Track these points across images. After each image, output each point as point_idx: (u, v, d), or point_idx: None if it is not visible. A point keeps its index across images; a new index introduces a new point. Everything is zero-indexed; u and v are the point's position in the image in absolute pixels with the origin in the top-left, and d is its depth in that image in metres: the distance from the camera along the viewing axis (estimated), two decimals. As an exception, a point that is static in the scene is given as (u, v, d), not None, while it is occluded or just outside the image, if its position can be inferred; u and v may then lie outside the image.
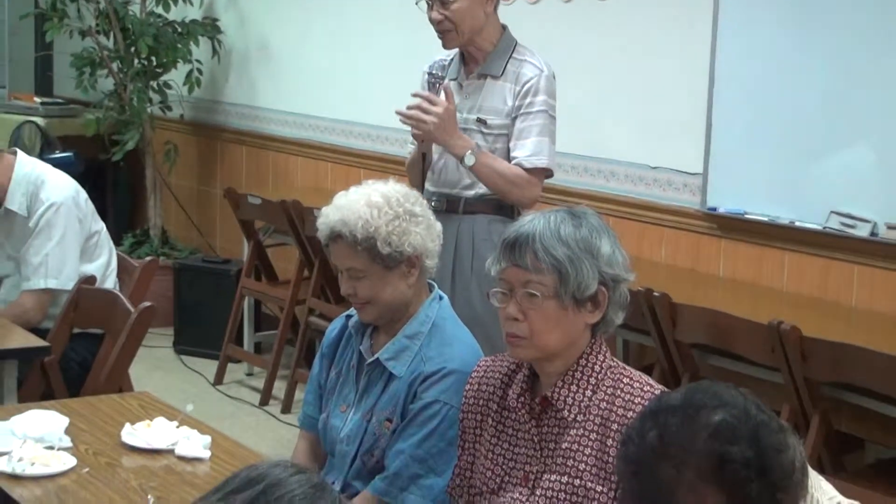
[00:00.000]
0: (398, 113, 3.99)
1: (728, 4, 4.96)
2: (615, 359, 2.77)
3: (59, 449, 2.98)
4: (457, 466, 2.91)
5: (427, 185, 4.11)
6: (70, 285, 4.50)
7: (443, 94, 3.98)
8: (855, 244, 4.59)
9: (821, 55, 4.68)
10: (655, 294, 4.34)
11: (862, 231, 4.52)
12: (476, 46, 4.04)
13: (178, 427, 3.12)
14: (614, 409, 2.65)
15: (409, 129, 4.07)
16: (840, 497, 2.10)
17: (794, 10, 4.76)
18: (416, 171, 4.15)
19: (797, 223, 4.77)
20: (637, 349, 4.99)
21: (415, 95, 3.95)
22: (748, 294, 4.79)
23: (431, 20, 4.00)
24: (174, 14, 7.54)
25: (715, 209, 5.08)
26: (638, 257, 5.20)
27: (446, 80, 4.09)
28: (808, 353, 3.96)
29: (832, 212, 4.61)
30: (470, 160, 3.87)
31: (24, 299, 4.50)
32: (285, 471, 1.71)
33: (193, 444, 3.05)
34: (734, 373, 4.35)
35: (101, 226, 4.82)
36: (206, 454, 3.02)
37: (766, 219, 4.89)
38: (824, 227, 4.65)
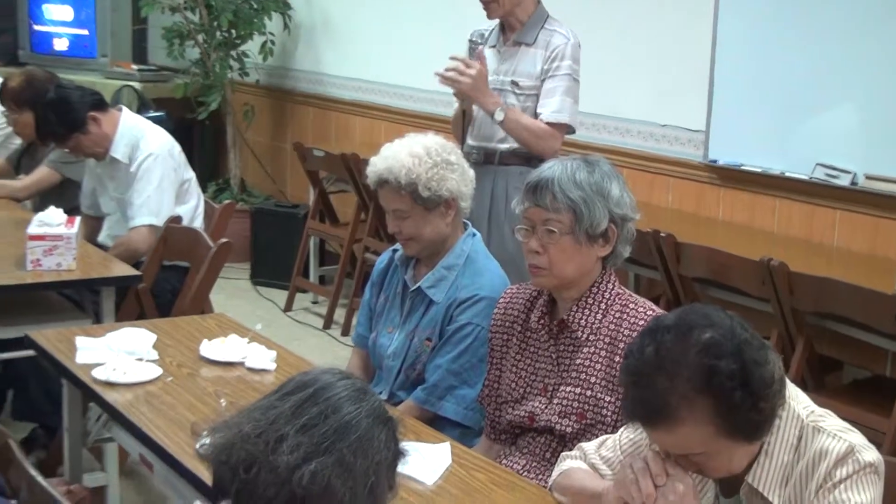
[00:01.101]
0: (437, 74, 3.96)
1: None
2: (623, 287, 2.77)
3: (147, 361, 3.02)
4: (486, 379, 2.92)
5: (468, 140, 4.11)
6: (160, 222, 4.54)
7: (478, 61, 3.95)
8: (837, 192, 4.59)
9: (811, 25, 4.66)
10: (662, 235, 4.34)
11: (843, 181, 4.53)
12: (514, 17, 4.02)
13: (248, 343, 3.15)
14: (621, 329, 2.66)
15: (449, 90, 4.07)
16: (814, 406, 2.09)
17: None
18: (459, 127, 4.15)
19: (787, 173, 4.79)
20: (646, 282, 4.97)
21: (452, 59, 3.93)
22: (743, 235, 4.78)
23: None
24: (251, -8, 7.53)
25: (715, 161, 5.10)
26: (648, 203, 5.21)
27: (482, 47, 4.07)
28: (795, 287, 3.96)
29: (818, 164, 4.62)
30: (499, 115, 3.86)
31: (131, 234, 4.53)
32: (333, 376, 1.72)
33: (261, 357, 3.07)
34: (730, 303, 4.32)
35: (191, 175, 4.85)
36: (272, 366, 3.05)
37: (759, 170, 4.90)
38: (810, 177, 4.66)
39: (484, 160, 4.03)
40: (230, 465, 1.63)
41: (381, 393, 3.23)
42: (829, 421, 2.05)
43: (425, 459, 2.46)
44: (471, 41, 4.19)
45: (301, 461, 1.58)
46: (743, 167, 4.97)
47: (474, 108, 4.06)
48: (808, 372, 4.09)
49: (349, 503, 1.60)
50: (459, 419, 3.07)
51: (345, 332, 6.20)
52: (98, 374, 2.91)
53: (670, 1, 5.29)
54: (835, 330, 4.11)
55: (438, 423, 3.03)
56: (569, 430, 2.66)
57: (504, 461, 2.76)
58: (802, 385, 3.97)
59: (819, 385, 4.13)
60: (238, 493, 1.62)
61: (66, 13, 8.81)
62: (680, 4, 5.25)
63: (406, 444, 1.81)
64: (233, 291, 6.79)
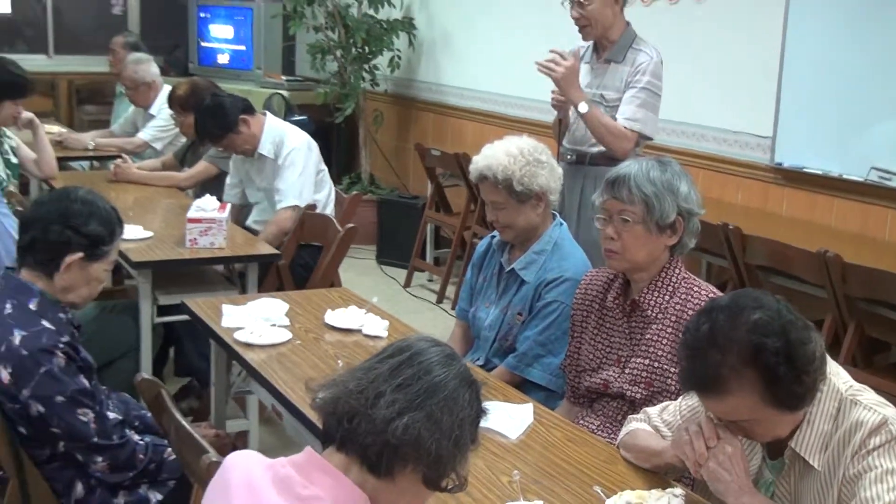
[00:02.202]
0: (537, 63, 3.91)
1: (796, 7, 4.83)
2: (688, 272, 2.73)
3: (280, 326, 3.07)
4: (568, 350, 2.91)
5: (564, 143, 4.09)
6: (302, 203, 4.60)
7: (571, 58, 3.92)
8: (890, 193, 4.49)
9: (872, 43, 4.55)
10: (731, 228, 4.27)
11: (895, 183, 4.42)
12: (606, 38, 3.96)
13: (365, 313, 3.17)
14: (686, 309, 2.62)
15: (547, 100, 4.05)
16: (852, 381, 2.03)
17: (851, 3, 4.65)
18: (557, 132, 4.14)
19: (844, 175, 4.69)
20: (717, 270, 4.90)
21: (552, 51, 3.89)
22: (803, 229, 4.65)
23: (573, 17, 3.94)
24: (382, 14, 7.55)
25: (780, 164, 5.00)
26: (719, 200, 5.14)
27: (578, 48, 4.08)
28: (848, 276, 3.87)
29: (872, 167, 4.52)
30: (583, 108, 3.81)
31: (280, 214, 4.61)
32: (427, 343, 1.73)
33: (376, 325, 3.10)
34: (789, 289, 4.26)
35: (324, 168, 4.91)
36: (385, 334, 3.07)
37: (819, 172, 4.80)
38: (865, 179, 4.56)
39: (576, 160, 4.00)
40: (336, 416, 1.65)
41: (478, 359, 3.24)
42: (866, 395, 1.99)
43: (511, 417, 2.47)
44: (551, 51, 4.15)
45: (395, 415, 1.60)
46: (805, 169, 4.86)
47: (570, 116, 4.03)
48: (858, 351, 3.99)
49: (435, 452, 1.61)
50: (544, 384, 3.07)
51: (455, 307, 6.19)
52: (239, 336, 2.97)
53: (742, 22, 5.18)
54: (883, 315, 3.98)
55: (526, 387, 3.03)
56: (637, 396, 2.64)
57: (581, 421, 2.75)
58: (852, 363, 3.91)
59: (868, 364, 4.02)
60: (342, 440, 1.64)
61: (228, 32, 8.98)
62: (750, 25, 5.14)
63: (491, 404, 1.82)
64: (361, 269, 6.86)
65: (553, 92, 3.96)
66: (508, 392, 2.73)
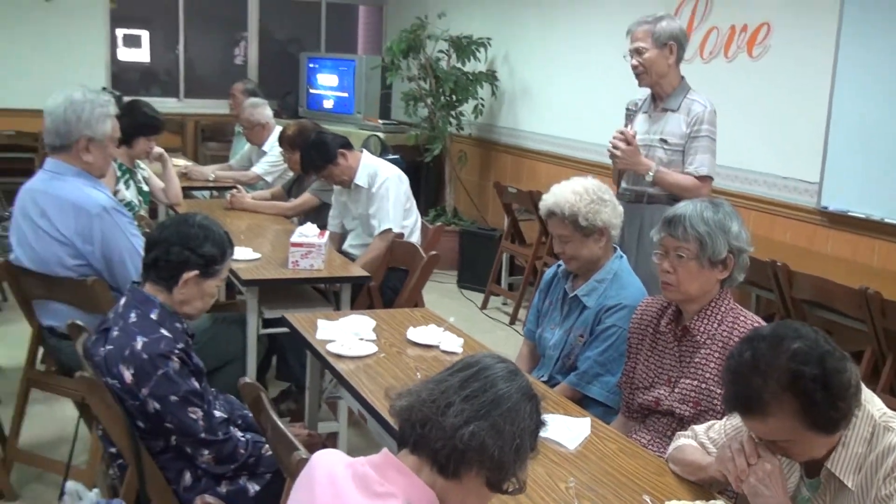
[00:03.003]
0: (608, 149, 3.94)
1: (843, 65, 4.70)
2: (735, 303, 2.67)
3: (367, 340, 3.08)
4: (624, 369, 2.87)
5: (623, 183, 4.04)
6: (397, 228, 4.62)
7: (631, 130, 3.91)
8: (929, 237, 4.33)
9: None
10: (778, 264, 4.17)
11: (934, 227, 4.28)
12: (660, 87, 3.92)
13: (443, 331, 3.17)
14: (732, 337, 2.57)
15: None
16: (886, 409, 1.96)
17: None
18: (616, 174, 4.11)
19: (886, 219, 4.56)
20: (765, 302, 4.78)
21: (618, 132, 3.87)
22: (846, 268, 4.53)
23: (632, 66, 3.92)
24: (468, 67, 7.59)
25: (826, 207, 4.89)
26: (769, 238, 5.03)
27: (633, 123, 4.01)
28: (887, 311, 3.75)
29: (912, 212, 4.36)
30: (650, 177, 3.79)
31: (377, 238, 4.64)
32: (493, 359, 1.72)
33: (452, 342, 3.08)
34: (832, 322, 4.13)
35: (412, 199, 4.92)
36: (460, 350, 3.05)
37: (863, 215, 4.69)
38: (906, 223, 4.42)
39: (635, 199, 3.96)
40: (411, 422, 1.65)
41: (542, 375, 3.22)
42: (899, 422, 1.93)
43: (569, 429, 2.44)
44: (627, 109, 4.16)
45: (463, 423, 1.59)
46: (849, 213, 4.75)
47: None
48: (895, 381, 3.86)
49: (498, 458, 1.60)
50: (602, 400, 3.03)
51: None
52: (331, 347, 2.99)
53: (793, 77, 5.09)
54: (921, 348, 3.85)
55: (586, 402, 2.99)
56: (686, 413, 2.59)
57: (634, 435, 2.71)
58: (890, 392, 3.77)
59: (905, 393, 3.89)
60: (415, 444, 1.64)
61: (333, 81, 9.11)
62: (800, 80, 5.05)
63: (551, 417, 1.80)
64: (443, 292, 6.87)
65: (611, 143, 3.92)
66: (569, 406, 2.70)
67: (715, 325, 2.61)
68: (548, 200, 3.14)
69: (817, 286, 4.11)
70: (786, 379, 1.81)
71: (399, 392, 1.71)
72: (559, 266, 3.31)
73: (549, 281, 3.35)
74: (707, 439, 2.24)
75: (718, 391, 2.50)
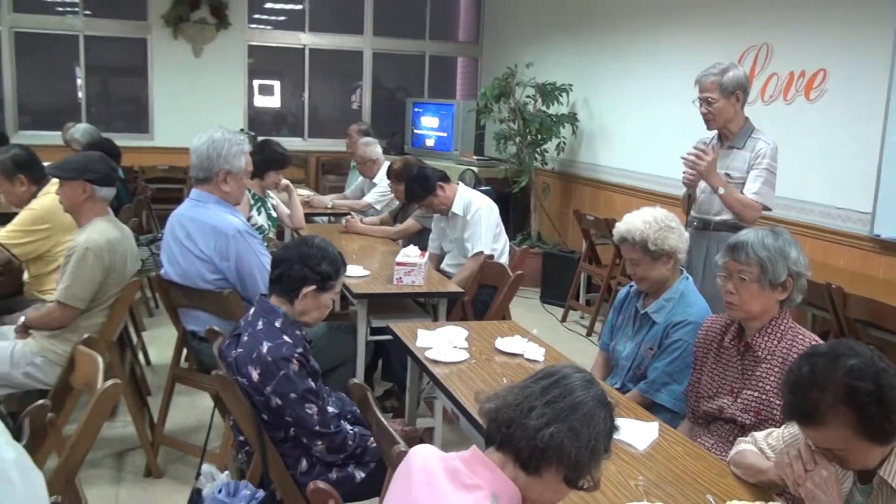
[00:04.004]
0: (683, 157, 3.78)
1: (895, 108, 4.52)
2: (794, 322, 2.55)
3: (460, 348, 3.05)
4: (690, 379, 2.78)
5: (692, 212, 3.93)
6: (488, 251, 4.60)
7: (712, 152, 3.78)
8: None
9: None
10: (833, 286, 3.97)
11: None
12: (727, 129, 3.80)
13: (527, 342, 3.12)
14: (791, 353, 2.45)
15: (677, 178, 3.92)
16: None
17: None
18: (686, 203, 3.98)
19: (934, 246, 4.28)
20: (820, 321, 4.56)
21: (695, 148, 3.76)
22: (897, 291, 4.31)
23: (701, 112, 3.81)
24: (552, 110, 7.55)
25: (878, 235, 4.66)
26: (824, 263, 4.83)
27: (714, 143, 3.87)
28: (936, 331, 3.53)
29: (960, 240, 4.11)
30: (721, 191, 3.66)
31: (469, 260, 4.63)
32: (571, 369, 1.68)
33: (535, 352, 3.03)
34: (884, 341, 3.92)
35: (502, 226, 4.89)
36: (542, 358, 3.00)
37: (914, 242, 4.42)
38: (955, 250, 4.15)
39: (702, 227, 3.84)
40: (497, 423, 1.62)
41: (616, 383, 3.14)
42: (950, 435, 1.80)
43: (639, 432, 2.36)
44: (695, 147, 4.02)
45: (544, 425, 1.56)
46: (900, 240, 4.52)
47: (697, 191, 3.89)
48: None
49: (574, 458, 1.56)
50: (669, 406, 2.93)
51: (601, 339, 6.07)
52: (429, 354, 2.97)
53: (848, 116, 4.89)
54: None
55: (654, 408, 2.90)
56: (747, 421, 2.48)
57: (698, 439, 2.61)
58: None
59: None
60: (501, 442, 1.61)
61: (434, 122, 9.17)
62: (854, 119, 4.83)
63: (623, 421, 1.75)
64: (528, 307, 6.80)
65: (685, 172, 3.83)
66: (639, 411, 2.62)
67: (775, 342, 2.50)
68: (620, 227, 3.07)
69: (870, 307, 3.91)
70: (842, 393, 1.71)
71: (487, 396, 1.68)
72: (631, 286, 3.23)
73: (623, 299, 3.27)
74: (766, 445, 2.15)
75: (778, 402, 2.40)
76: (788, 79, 5.30)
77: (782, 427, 2.15)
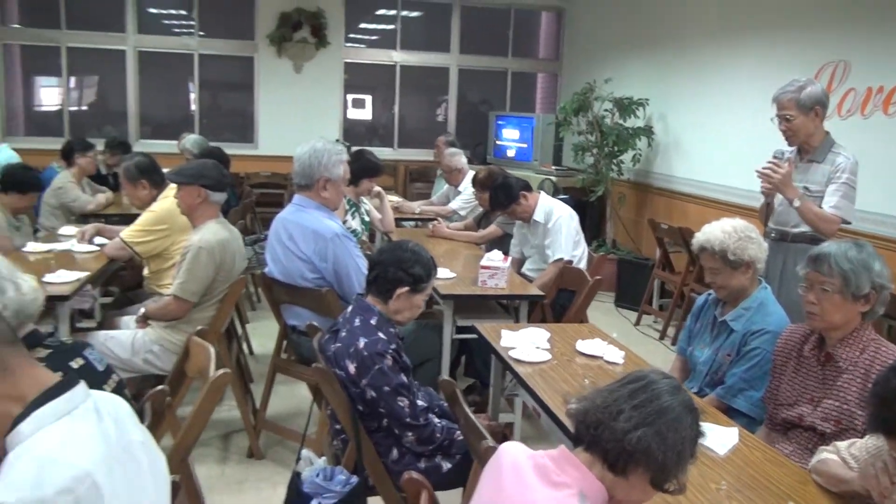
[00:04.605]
0: (757, 170, 3.61)
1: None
2: (877, 335, 2.42)
3: (542, 349, 3.00)
4: (769, 386, 2.67)
5: (769, 223, 3.78)
6: (568, 257, 4.53)
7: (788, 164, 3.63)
8: None
9: None
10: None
11: None
12: (808, 144, 3.64)
13: (607, 345, 3.05)
14: (874, 364, 2.32)
15: (755, 190, 3.77)
16: None
17: None
18: (763, 214, 3.82)
19: None
20: (896, 331, 4.36)
21: (769, 161, 3.60)
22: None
23: (781, 129, 3.66)
24: (629, 123, 7.40)
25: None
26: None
27: (791, 155, 3.70)
28: None
29: None
30: (797, 203, 3.49)
31: (549, 266, 4.57)
32: (658, 375, 1.62)
33: (615, 354, 2.96)
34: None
35: (581, 234, 4.81)
36: (621, 361, 2.93)
37: None
38: None
39: (780, 238, 3.69)
40: (585, 424, 1.57)
41: (692, 387, 3.03)
42: None
43: (719, 437, 2.27)
44: (774, 157, 3.85)
45: (632, 428, 1.50)
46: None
47: (775, 202, 3.74)
48: None
49: (661, 462, 1.50)
50: (746, 411, 2.82)
51: (673, 343, 5.91)
52: (513, 353, 2.93)
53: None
54: None
55: (730, 413, 2.79)
56: (827, 430, 2.36)
57: (776, 446, 2.49)
58: None
59: None
60: (589, 443, 1.56)
61: (515, 134, 9.12)
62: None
63: (705, 426, 1.67)
64: (603, 310, 6.68)
65: (763, 184, 3.68)
66: (718, 416, 2.52)
67: (857, 353, 2.37)
68: (700, 237, 2.97)
69: (949, 319, 3.70)
70: None
71: (576, 397, 1.64)
72: (709, 294, 3.12)
73: (701, 306, 3.16)
74: (849, 455, 2.03)
75: (860, 413, 2.28)
76: (866, 94, 5.06)
77: (866, 438, 2.03)
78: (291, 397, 4.42)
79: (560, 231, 4.60)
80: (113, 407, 1.40)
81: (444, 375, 3.87)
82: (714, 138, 6.68)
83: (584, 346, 3.03)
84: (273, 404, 3.98)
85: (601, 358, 2.95)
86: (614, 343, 3.09)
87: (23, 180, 4.41)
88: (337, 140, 8.51)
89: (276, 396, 4.00)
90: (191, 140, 6.79)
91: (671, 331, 6.08)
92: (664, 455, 1.49)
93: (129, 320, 3.78)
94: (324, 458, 2.62)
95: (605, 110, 7.48)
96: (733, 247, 2.88)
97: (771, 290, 3.05)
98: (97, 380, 2.00)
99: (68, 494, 1.20)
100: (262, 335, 5.36)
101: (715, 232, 2.93)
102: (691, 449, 1.54)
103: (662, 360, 5.19)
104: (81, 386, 1.36)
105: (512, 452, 1.64)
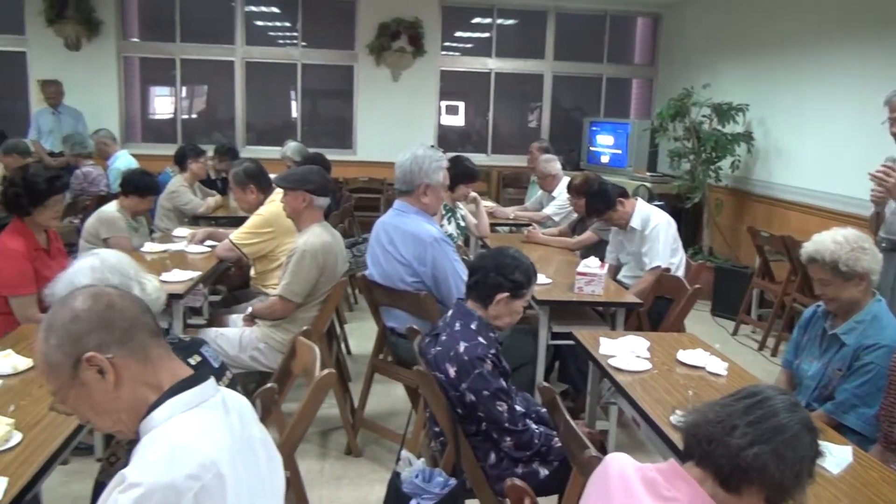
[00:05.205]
0: (870, 174, 3.42)
1: None
2: None
3: (642, 358, 2.92)
4: (883, 403, 2.52)
5: (880, 233, 3.57)
6: (665, 265, 4.42)
7: None
8: None
9: None
10: None
11: None
12: None
13: (710, 356, 2.95)
14: None
15: (860, 197, 3.57)
16: None
17: None
18: (874, 223, 3.63)
19: None
20: None
21: (883, 166, 3.41)
22: None
23: (892, 133, 3.46)
24: (727, 129, 7.16)
25: None
26: None
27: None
28: None
29: None
30: None
31: (646, 273, 4.47)
32: (774, 391, 1.55)
33: (718, 366, 2.85)
34: None
35: (679, 241, 4.69)
36: (724, 373, 2.82)
37: None
38: None
39: (891, 248, 3.49)
40: (697, 438, 1.51)
41: (800, 402, 2.90)
42: None
43: (832, 455, 2.15)
44: (884, 165, 3.65)
45: (747, 445, 1.44)
46: None
47: (886, 211, 3.54)
48: None
49: (778, 481, 1.42)
50: (857, 429, 2.66)
51: (773, 354, 5.67)
52: (612, 361, 2.88)
53: None
54: None
55: (840, 430, 2.64)
56: (949, 452, 2.21)
57: (893, 465, 2.35)
58: None
59: None
60: (700, 458, 1.50)
61: (610, 140, 8.97)
62: None
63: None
64: (698, 318, 6.47)
65: (873, 190, 3.48)
66: (829, 434, 2.39)
67: None
68: (809, 248, 2.82)
69: None
70: None
71: (686, 410, 1.58)
72: (818, 306, 2.97)
73: (809, 318, 3.01)
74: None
75: None
76: None
77: None
78: (386, 397, 4.46)
79: (658, 238, 4.49)
80: (238, 402, 1.44)
81: (539, 380, 3.83)
82: (817, 144, 6.39)
83: (685, 356, 2.94)
84: (369, 403, 4.02)
85: (703, 369, 2.85)
86: (717, 354, 2.98)
87: (142, 184, 4.62)
88: (431, 146, 8.57)
89: (372, 396, 4.04)
90: (291, 147, 6.95)
91: (771, 342, 5.84)
92: (781, 474, 1.42)
93: (236, 318, 3.90)
94: (422, 459, 2.63)
95: (703, 116, 7.27)
96: (845, 258, 2.73)
97: (886, 303, 2.88)
98: (213, 376, 2.06)
99: (196, 481, 1.25)
100: (359, 335, 5.44)
101: (825, 242, 2.78)
102: (810, 469, 1.46)
103: (762, 372, 4.99)
104: (211, 380, 1.41)
105: (620, 464, 1.60)
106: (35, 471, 1.83)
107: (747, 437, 1.44)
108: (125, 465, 1.90)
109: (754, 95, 7.21)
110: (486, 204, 6.33)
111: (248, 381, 3.74)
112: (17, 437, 1.98)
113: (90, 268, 2.04)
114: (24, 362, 2.50)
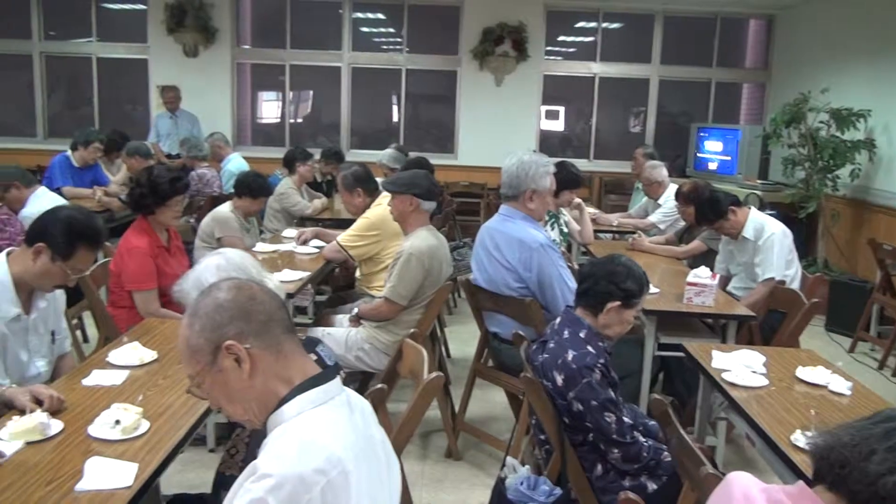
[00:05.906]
0: None
1: None
2: None
3: (758, 373, 2.80)
4: None
5: None
6: (779, 276, 4.25)
7: None
8: None
9: None
10: None
11: None
12: None
13: (831, 374, 2.80)
14: None
15: None
16: None
17: None
18: None
19: None
20: None
21: None
22: None
23: None
24: (846, 136, 6.81)
25: None
26: None
27: None
28: None
29: None
30: None
31: (759, 285, 4.31)
32: (917, 415, 1.44)
33: (841, 384, 2.71)
34: None
35: (794, 252, 4.50)
36: (849, 392, 2.68)
37: None
38: None
39: None
40: (829, 462, 1.43)
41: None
42: None
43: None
44: None
45: (886, 472, 1.34)
46: None
47: None
48: None
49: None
50: None
51: (894, 375, 5.35)
52: (726, 376, 2.78)
53: None
54: None
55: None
56: None
57: None
58: None
59: None
60: (832, 482, 1.42)
61: (718, 146, 8.70)
62: None
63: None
64: (812, 334, 6.16)
65: None
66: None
67: None
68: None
69: None
70: None
71: (818, 432, 1.50)
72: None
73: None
74: None
75: None
76: None
77: None
78: (486, 402, 4.46)
79: (772, 249, 4.31)
80: (360, 403, 1.47)
81: (644, 392, 3.74)
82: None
83: (805, 373, 2.81)
84: (469, 408, 4.02)
85: (825, 387, 2.72)
86: (839, 372, 2.83)
87: (255, 186, 4.78)
88: (532, 151, 8.53)
89: (472, 400, 4.05)
90: (388, 155, 6.97)
91: (892, 361, 5.51)
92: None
93: (341, 318, 3.98)
94: (527, 466, 2.61)
95: (821, 122, 6.94)
96: None
97: None
98: (328, 375, 2.11)
99: (322, 476, 1.28)
100: (459, 339, 5.46)
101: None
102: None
103: (883, 393, 4.71)
104: (337, 379, 1.44)
105: (743, 484, 1.54)
106: (162, 458, 1.92)
107: (886, 463, 1.35)
108: (244, 457, 1.97)
109: (877, 100, 6.83)
110: (590, 210, 6.24)
111: (351, 381, 3.81)
112: (146, 425, 2.08)
113: (216, 266, 2.12)
114: (149, 354, 2.63)
